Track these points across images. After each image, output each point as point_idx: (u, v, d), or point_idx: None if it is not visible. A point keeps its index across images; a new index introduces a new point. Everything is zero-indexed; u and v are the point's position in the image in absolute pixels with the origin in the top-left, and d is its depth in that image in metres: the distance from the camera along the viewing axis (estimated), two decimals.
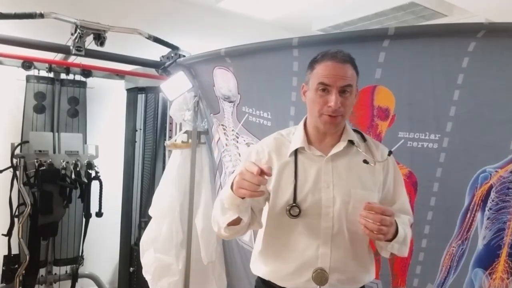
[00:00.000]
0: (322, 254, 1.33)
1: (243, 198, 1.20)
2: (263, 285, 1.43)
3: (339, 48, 1.32)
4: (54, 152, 2.84)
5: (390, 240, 1.27)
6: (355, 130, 1.44)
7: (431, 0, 3.56)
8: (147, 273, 2.47)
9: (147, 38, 2.58)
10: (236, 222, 1.29)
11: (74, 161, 2.83)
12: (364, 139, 1.44)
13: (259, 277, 1.46)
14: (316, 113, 1.31)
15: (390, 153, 1.40)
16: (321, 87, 1.28)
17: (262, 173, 1.13)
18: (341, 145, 1.36)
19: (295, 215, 1.32)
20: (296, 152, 1.37)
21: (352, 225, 1.33)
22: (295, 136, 1.40)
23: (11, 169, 2.65)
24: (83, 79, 3.04)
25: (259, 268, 1.44)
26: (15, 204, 2.73)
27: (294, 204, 1.33)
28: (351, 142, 1.38)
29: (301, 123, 1.43)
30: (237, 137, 2.22)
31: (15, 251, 2.76)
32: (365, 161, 1.35)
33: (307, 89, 1.37)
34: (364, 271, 1.40)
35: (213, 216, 1.38)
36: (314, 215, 1.33)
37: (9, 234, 2.70)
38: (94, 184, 2.93)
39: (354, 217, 1.31)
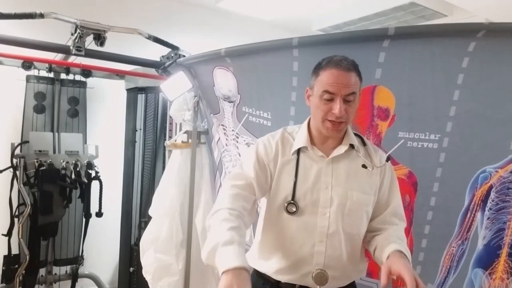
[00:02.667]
0: (317, 252, 1.37)
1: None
2: (259, 278, 1.47)
3: (343, 55, 1.35)
4: (54, 152, 2.84)
5: None
6: (356, 134, 1.48)
7: (431, 0, 3.56)
8: (147, 273, 2.47)
9: (147, 38, 2.58)
10: None
11: (74, 161, 2.83)
12: (364, 144, 1.47)
13: (254, 270, 1.49)
14: (320, 118, 1.35)
15: (388, 159, 1.44)
16: (325, 95, 1.31)
17: None
18: (343, 148, 1.40)
19: (292, 212, 1.37)
20: (298, 151, 1.41)
21: (348, 226, 1.38)
22: (298, 135, 1.44)
23: (11, 169, 2.66)
24: (83, 79, 3.04)
25: (255, 260, 1.48)
26: (15, 204, 2.73)
27: (292, 202, 1.37)
28: (351, 146, 1.42)
29: (305, 123, 1.46)
30: (237, 137, 2.22)
31: (15, 251, 2.76)
32: (364, 166, 1.40)
33: (311, 93, 1.39)
34: (356, 269, 1.46)
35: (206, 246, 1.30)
36: (311, 214, 1.37)
37: (9, 234, 2.71)
38: (94, 184, 2.93)
39: (350, 218, 1.38)
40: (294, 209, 1.37)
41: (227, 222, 1.24)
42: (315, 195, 1.37)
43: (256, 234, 1.53)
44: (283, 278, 1.41)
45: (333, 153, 1.40)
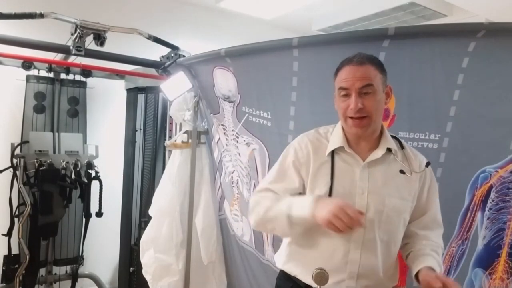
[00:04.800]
0: (351, 260, 1.31)
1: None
2: (287, 281, 1.42)
3: (359, 51, 1.32)
4: (54, 152, 2.84)
5: None
6: (393, 137, 1.41)
7: (431, 0, 3.55)
8: (147, 273, 2.47)
9: (147, 38, 2.58)
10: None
11: (74, 161, 2.83)
12: (402, 147, 1.40)
13: (282, 271, 1.44)
14: (342, 117, 1.33)
15: (428, 164, 1.37)
16: (342, 92, 1.30)
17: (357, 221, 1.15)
18: (379, 152, 1.33)
19: None
20: (333, 153, 1.35)
21: (384, 234, 1.32)
22: (333, 136, 1.38)
23: (11, 169, 2.65)
24: (83, 79, 3.04)
25: (285, 262, 1.43)
26: (15, 204, 2.73)
27: None
28: (389, 150, 1.35)
29: (339, 124, 1.40)
30: (237, 137, 2.22)
31: (15, 251, 2.76)
32: (402, 171, 1.33)
33: (335, 97, 1.37)
34: (390, 279, 1.39)
35: (270, 218, 1.35)
36: None
37: (9, 234, 2.70)
38: (94, 184, 2.93)
39: (387, 226, 1.31)
40: None
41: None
42: (350, 200, 1.29)
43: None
44: (314, 284, 1.33)
45: (370, 157, 1.33)
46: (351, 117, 1.28)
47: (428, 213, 1.39)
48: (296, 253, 1.41)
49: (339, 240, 1.31)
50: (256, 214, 1.38)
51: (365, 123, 1.28)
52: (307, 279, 1.34)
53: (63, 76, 2.98)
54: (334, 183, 1.32)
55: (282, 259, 1.45)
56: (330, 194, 1.31)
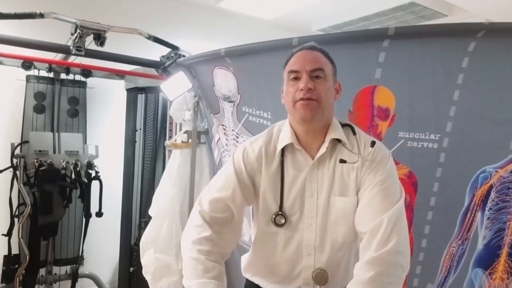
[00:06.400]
0: (305, 266, 1.28)
1: None
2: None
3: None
4: (54, 152, 2.84)
5: None
6: (346, 125, 1.31)
7: (431, 0, 3.56)
8: (147, 273, 2.47)
9: (147, 38, 2.58)
10: None
11: (74, 161, 2.83)
12: (354, 132, 1.29)
13: (247, 280, 1.44)
14: (291, 104, 1.23)
15: (373, 143, 1.23)
16: (291, 75, 1.23)
17: None
18: (324, 146, 1.25)
19: (280, 225, 1.27)
20: (283, 153, 1.28)
21: (335, 235, 1.25)
22: (282, 134, 1.30)
23: (11, 169, 2.65)
24: (83, 79, 3.04)
25: (248, 270, 1.42)
26: (15, 204, 2.73)
27: (280, 213, 1.26)
28: (336, 140, 1.26)
29: (287, 122, 1.32)
30: (237, 137, 2.22)
31: (15, 251, 2.76)
32: (342, 161, 1.24)
33: (283, 89, 1.30)
34: (348, 277, 1.25)
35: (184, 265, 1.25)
36: (298, 225, 1.27)
37: (9, 234, 2.70)
38: (94, 184, 2.93)
39: (335, 227, 1.25)
40: (283, 221, 1.26)
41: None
42: (301, 205, 1.25)
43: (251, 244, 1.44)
44: None
45: (318, 153, 1.25)
46: (300, 99, 1.19)
47: (362, 204, 1.22)
48: (257, 263, 1.38)
49: (294, 246, 1.27)
50: (184, 244, 1.27)
51: (314, 105, 1.19)
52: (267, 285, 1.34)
53: (63, 76, 2.98)
54: (284, 189, 1.26)
55: (246, 268, 1.43)
56: (281, 200, 1.26)
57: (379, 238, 1.13)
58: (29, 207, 2.62)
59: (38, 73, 2.88)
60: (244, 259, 1.45)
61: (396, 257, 1.12)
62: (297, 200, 1.26)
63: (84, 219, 2.97)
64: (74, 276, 3.07)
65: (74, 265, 3.08)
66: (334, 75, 1.28)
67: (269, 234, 1.30)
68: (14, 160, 2.65)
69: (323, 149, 1.25)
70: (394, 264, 1.12)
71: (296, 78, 1.22)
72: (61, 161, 2.78)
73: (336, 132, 1.26)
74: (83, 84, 3.08)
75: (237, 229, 1.35)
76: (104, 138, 3.23)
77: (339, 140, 1.26)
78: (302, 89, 1.19)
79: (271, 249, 1.32)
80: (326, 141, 1.25)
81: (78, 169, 2.83)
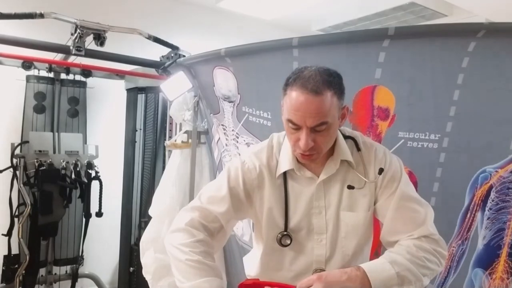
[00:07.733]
0: None
1: None
2: None
3: (317, 66, 1.14)
4: (54, 152, 2.84)
5: None
6: (349, 137, 1.27)
7: (431, 0, 3.56)
8: (147, 273, 2.47)
9: (147, 38, 2.58)
10: None
11: (74, 161, 2.83)
12: (358, 149, 1.26)
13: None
14: (291, 143, 1.19)
15: (380, 171, 1.22)
16: (291, 125, 1.13)
17: None
18: (333, 167, 1.23)
19: (286, 245, 1.25)
20: (285, 174, 1.25)
21: (346, 249, 1.25)
22: (282, 156, 1.26)
23: (11, 169, 2.66)
24: (83, 79, 3.04)
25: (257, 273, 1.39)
26: (15, 204, 2.73)
27: (285, 233, 1.25)
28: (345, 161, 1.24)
29: (287, 142, 1.25)
30: (237, 137, 2.22)
31: (15, 251, 2.76)
32: (350, 187, 1.22)
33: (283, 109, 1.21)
34: None
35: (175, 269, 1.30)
36: (307, 242, 1.26)
37: (9, 234, 2.71)
38: (94, 184, 2.93)
39: (346, 241, 1.25)
40: (288, 242, 1.24)
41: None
42: (309, 222, 1.24)
43: (253, 262, 1.41)
44: None
45: (324, 173, 1.23)
46: (300, 153, 1.16)
47: (389, 217, 1.23)
48: (262, 272, 1.35)
49: (302, 263, 1.26)
50: (175, 248, 1.31)
51: (315, 157, 1.17)
52: None
53: (63, 76, 2.99)
54: (289, 208, 1.24)
55: (254, 270, 1.39)
56: (286, 220, 1.24)
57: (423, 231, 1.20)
58: (29, 207, 2.62)
59: (38, 73, 2.88)
60: (248, 262, 1.44)
61: (441, 246, 1.19)
62: (304, 218, 1.25)
63: (84, 219, 2.97)
64: (74, 276, 3.07)
65: (74, 265, 3.08)
66: (340, 108, 1.16)
67: (275, 249, 1.29)
68: (14, 160, 2.66)
69: (331, 171, 1.23)
70: (437, 249, 1.18)
71: (296, 129, 1.14)
72: (61, 161, 2.78)
73: (344, 152, 1.24)
74: (83, 84, 3.08)
75: (224, 239, 1.36)
76: (104, 138, 3.23)
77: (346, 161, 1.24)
78: (301, 146, 1.13)
79: (279, 265, 1.31)
80: (334, 159, 1.23)
81: (78, 169, 2.83)
